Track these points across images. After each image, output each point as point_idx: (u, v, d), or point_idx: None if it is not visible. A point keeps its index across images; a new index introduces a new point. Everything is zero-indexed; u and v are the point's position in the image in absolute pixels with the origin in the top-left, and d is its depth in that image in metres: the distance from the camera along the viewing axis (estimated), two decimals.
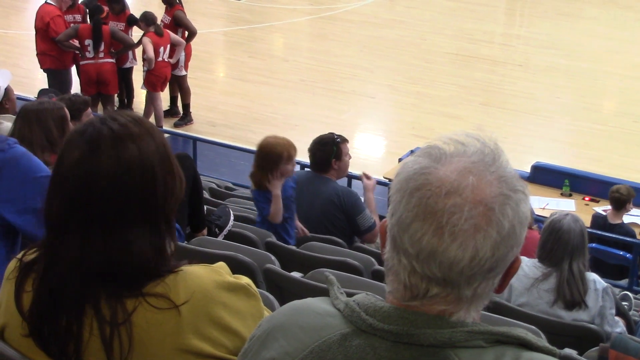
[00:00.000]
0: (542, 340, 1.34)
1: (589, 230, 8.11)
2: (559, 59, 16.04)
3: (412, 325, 1.30)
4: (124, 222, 1.74)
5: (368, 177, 6.14)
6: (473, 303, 1.33)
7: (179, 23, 11.48)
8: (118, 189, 1.73)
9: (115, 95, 11.37)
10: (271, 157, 5.14)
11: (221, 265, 1.87)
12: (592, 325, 3.99)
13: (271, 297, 2.99)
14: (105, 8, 11.16)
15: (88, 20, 11.02)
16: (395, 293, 1.36)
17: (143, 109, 11.62)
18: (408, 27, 17.95)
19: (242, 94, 13.44)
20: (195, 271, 1.78)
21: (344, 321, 1.37)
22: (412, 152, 5.69)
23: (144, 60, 10.98)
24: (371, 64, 15.31)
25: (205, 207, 5.28)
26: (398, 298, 1.35)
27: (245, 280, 1.88)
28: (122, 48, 10.93)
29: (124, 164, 1.74)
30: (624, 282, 7.81)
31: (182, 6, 11.74)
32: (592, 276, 4.17)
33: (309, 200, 5.66)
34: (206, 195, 6.72)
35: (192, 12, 13.83)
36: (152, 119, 10.94)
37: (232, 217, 5.12)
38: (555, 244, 4.12)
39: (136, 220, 1.75)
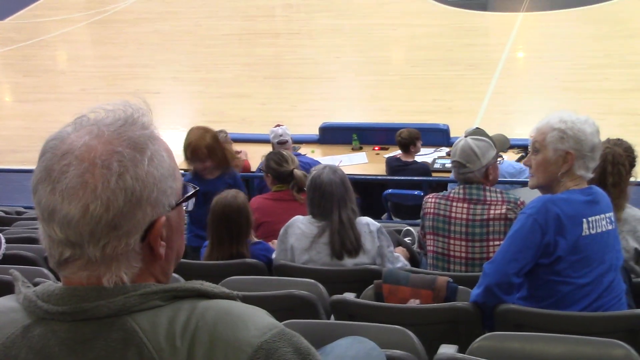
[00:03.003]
0: (219, 287, 1.38)
1: (384, 177, 8.40)
2: (333, 20, 16.44)
3: (84, 301, 1.29)
4: None
5: None
6: (113, 264, 1.31)
7: None
8: None
9: None
10: None
11: None
12: (372, 266, 4.10)
13: None
14: None
15: None
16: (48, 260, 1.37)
17: None
18: (181, 16, 17.85)
19: (23, 115, 12.95)
20: None
21: (25, 314, 1.35)
22: None
23: None
24: (151, 60, 15.15)
25: None
26: (52, 266, 1.35)
27: None
28: None
29: None
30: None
31: None
32: (365, 220, 4.27)
33: None
34: None
35: None
36: None
37: (1, 243, 4.91)
38: (322, 198, 4.20)
39: None
